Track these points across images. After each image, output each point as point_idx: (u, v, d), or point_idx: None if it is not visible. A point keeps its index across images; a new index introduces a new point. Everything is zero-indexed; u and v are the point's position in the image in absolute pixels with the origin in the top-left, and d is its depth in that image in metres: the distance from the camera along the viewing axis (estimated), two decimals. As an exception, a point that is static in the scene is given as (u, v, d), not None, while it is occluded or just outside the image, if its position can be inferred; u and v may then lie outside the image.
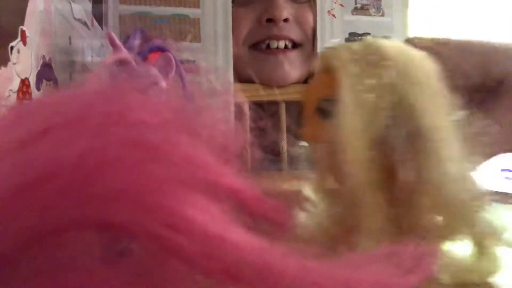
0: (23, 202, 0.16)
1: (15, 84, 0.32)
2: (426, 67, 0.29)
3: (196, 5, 0.65)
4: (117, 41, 0.37)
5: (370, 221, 0.26)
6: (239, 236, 0.17)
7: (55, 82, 0.41)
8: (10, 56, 0.31)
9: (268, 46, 0.65)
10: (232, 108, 0.30)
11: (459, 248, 0.27)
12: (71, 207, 0.16)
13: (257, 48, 0.66)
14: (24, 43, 0.33)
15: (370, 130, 0.27)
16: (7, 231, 0.16)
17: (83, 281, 0.17)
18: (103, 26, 0.61)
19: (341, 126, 0.27)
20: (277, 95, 0.63)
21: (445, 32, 1.25)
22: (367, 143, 0.26)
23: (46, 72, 0.38)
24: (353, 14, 0.70)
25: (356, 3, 0.71)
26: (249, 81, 0.63)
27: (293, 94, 0.65)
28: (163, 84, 0.35)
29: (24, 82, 0.33)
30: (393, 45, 0.29)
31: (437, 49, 0.29)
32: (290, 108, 0.65)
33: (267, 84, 0.64)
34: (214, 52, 0.64)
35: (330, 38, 0.68)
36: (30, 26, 0.34)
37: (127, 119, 0.19)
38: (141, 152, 0.18)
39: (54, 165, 0.17)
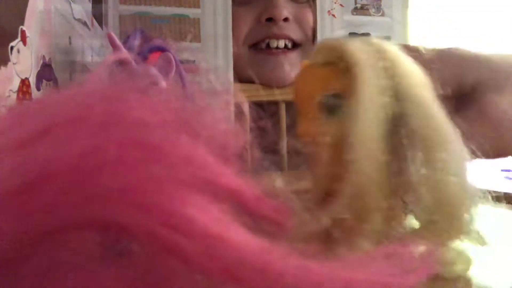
0: (23, 202, 0.16)
1: (15, 84, 0.32)
2: (420, 72, 0.29)
3: (196, 5, 0.65)
4: (117, 41, 0.37)
5: (372, 222, 0.26)
6: (239, 236, 0.17)
7: (55, 82, 0.41)
8: (10, 56, 0.31)
9: (268, 45, 0.65)
10: (232, 108, 0.30)
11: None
12: (71, 207, 0.16)
13: (257, 48, 0.66)
14: (24, 43, 0.33)
15: (383, 130, 0.26)
16: (8, 231, 0.16)
17: (83, 281, 0.17)
18: (103, 26, 0.61)
19: (355, 124, 0.26)
20: (277, 95, 0.63)
21: (445, 32, 1.25)
22: (380, 143, 0.26)
23: (46, 72, 0.38)
24: (353, 14, 0.70)
25: (356, 3, 0.71)
26: (249, 81, 0.63)
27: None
28: (163, 84, 0.35)
29: (24, 82, 0.33)
30: (394, 48, 0.29)
31: (418, 54, 0.30)
32: (290, 108, 0.65)
33: (267, 84, 0.64)
34: (214, 52, 0.64)
35: (330, 37, 0.68)
36: (30, 26, 0.34)
37: (127, 119, 0.19)
38: (141, 152, 0.18)
39: (54, 165, 0.17)
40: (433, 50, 0.34)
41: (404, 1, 0.72)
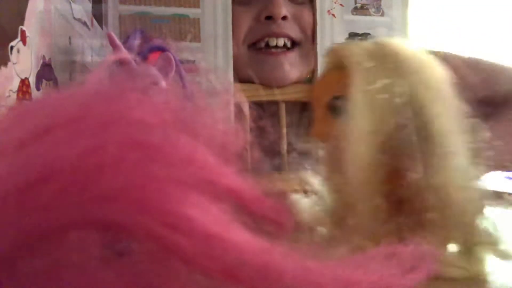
0: (23, 202, 0.16)
1: (15, 84, 0.32)
2: (439, 72, 0.29)
3: (196, 5, 0.65)
4: (117, 41, 0.37)
5: (368, 221, 0.26)
6: (239, 236, 0.17)
7: (55, 82, 0.41)
8: (10, 56, 0.31)
9: (267, 44, 0.65)
10: (232, 108, 0.30)
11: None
12: (71, 207, 0.16)
13: (256, 48, 0.66)
14: (24, 43, 0.33)
15: (380, 130, 0.26)
16: (8, 231, 0.16)
17: (83, 281, 0.17)
18: (103, 26, 0.61)
19: (349, 125, 0.26)
20: (277, 95, 0.63)
21: (445, 32, 1.25)
22: (374, 144, 0.26)
23: (46, 72, 0.38)
24: (353, 14, 0.70)
25: (356, 2, 0.71)
26: (249, 81, 0.63)
27: (293, 94, 0.65)
28: (163, 84, 0.35)
29: (24, 82, 0.33)
30: (407, 46, 0.29)
31: (445, 59, 0.30)
32: (290, 108, 0.65)
33: (267, 84, 0.64)
34: (214, 52, 0.64)
35: (330, 37, 0.68)
36: (30, 26, 0.34)
37: (127, 119, 0.19)
38: (141, 152, 0.18)
39: (54, 165, 0.17)
40: (459, 57, 0.35)
41: (404, 1, 0.72)
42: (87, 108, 0.19)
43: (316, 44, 0.66)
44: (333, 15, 0.69)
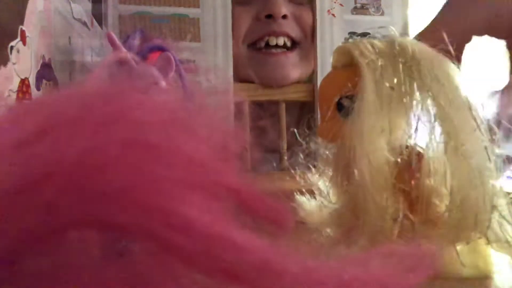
0: (23, 202, 0.16)
1: (15, 84, 0.32)
2: (450, 68, 0.28)
3: (196, 4, 0.65)
4: (117, 41, 0.37)
5: (379, 221, 0.25)
6: (239, 236, 0.17)
7: (55, 82, 0.41)
8: (10, 56, 0.31)
9: (267, 44, 0.65)
10: (232, 108, 0.30)
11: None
12: (71, 207, 0.16)
13: (256, 48, 0.66)
14: (24, 43, 0.33)
15: (391, 129, 0.26)
16: (7, 231, 0.16)
17: (83, 281, 0.17)
18: (103, 26, 0.61)
19: (359, 124, 0.26)
20: (277, 95, 0.63)
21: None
22: (385, 143, 0.26)
23: (46, 72, 0.38)
24: (352, 14, 0.70)
25: (355, 2, 0.71)
26: (249, 81, 0.63)
27: (293, 94, 0.65)
28: (163, 84, 0.35)
29: (24, 82, 0.33)
30: (417, 43, 0.29)
31: (423, 36, 0.29)
32: (290, 108, 0.65)
33: (266, 84, 0.64)
34: (214, 52, 0.64)
35: (329, 37, 0.68)
36: (30, 26, 0.34)
37: (127, 119, 0.19)
38: (141, 152, 0.18)
39: (54, 165, 0.17)
40: (431, 25, 0.34)
41: (404, 1, 0.72)
42: (87, 108, 0.19)
43: (316, 43, 0.66)
44: (333, 15, 0.69)
